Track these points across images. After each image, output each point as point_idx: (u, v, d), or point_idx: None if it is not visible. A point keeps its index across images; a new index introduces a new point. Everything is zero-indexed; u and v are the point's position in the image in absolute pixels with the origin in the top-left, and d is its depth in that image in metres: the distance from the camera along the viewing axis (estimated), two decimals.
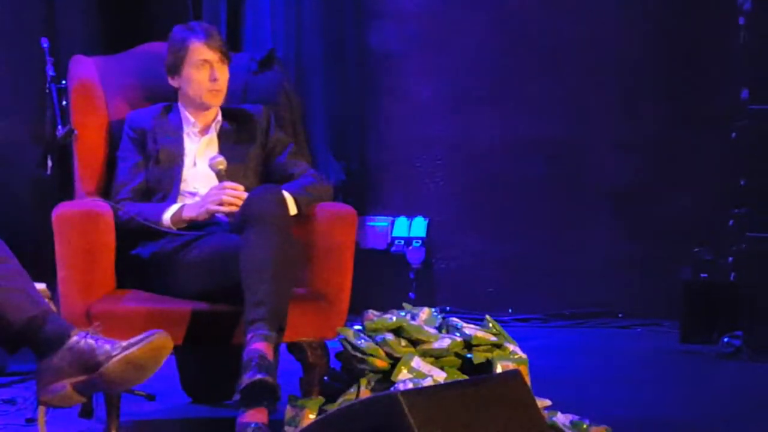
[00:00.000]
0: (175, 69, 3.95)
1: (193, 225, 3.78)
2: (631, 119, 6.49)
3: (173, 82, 3.98)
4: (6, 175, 5.40)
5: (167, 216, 3.78)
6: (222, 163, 3.84)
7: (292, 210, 3.72)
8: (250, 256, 3.46)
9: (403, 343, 3.59)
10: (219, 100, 3.96)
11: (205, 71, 3.92)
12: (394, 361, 3.54)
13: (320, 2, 6.53)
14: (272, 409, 3.41)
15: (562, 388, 4.13)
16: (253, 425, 3.34)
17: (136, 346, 3.11)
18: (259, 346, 3.34)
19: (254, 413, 3.36)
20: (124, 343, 3.12)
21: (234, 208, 3.72)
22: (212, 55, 3.92)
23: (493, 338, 3.65)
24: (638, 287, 6.39)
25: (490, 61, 6.60)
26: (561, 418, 3.51)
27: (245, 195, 3.71)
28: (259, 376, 3.29)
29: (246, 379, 3.30)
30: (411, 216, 6.57)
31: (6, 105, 5.45)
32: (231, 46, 4.10)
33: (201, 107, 3.97)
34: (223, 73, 3.95)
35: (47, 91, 4.31)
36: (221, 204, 3.74)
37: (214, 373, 4.27)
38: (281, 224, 3.53)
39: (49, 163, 4.44)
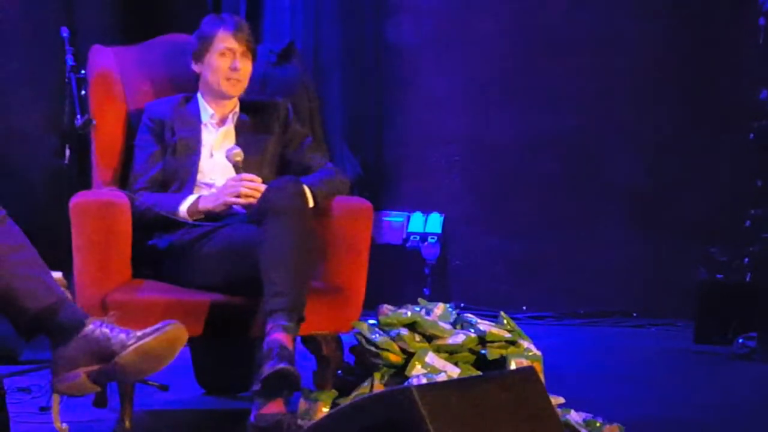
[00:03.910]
0: (200, 55, 3.97)
1: (210, 216, 3.78)
2: (648, 118, 6.48)
3: (196, 68, 3.99)
4: (24, 164, 5.41)
5: (184, 207, 3.78)
6: (239, 154, 3.85)
7: (309, 203, 3.72)
8: (270, 247, 3.46)
9: (418, 338, 3.59)
10: (237, 90, 3.97)
11: (227, 59, 3.93)
12: (408, 356, 3.54)
13: None
14: (288, 400, 3.41)
15: (575, 386, 4.13)
16: (278, 415, 3.34)
17: (151, 336, 3.11)
18: (278, 336, 3.34)
19: (273, 405, 3.37)
20: (139, 333, 3.12)
21: (251, 200, 3.72)
22: (237, 46, 3.93)
23: (508, 335, 3.65)
24: (653, 287, 6.38)
25: (506, 57, 6.59)
26: (574, 416, 3.50)
27: (263, 187, 3.71)
28: (281, 365, 3.29)
29: (267, 369, 3.30)
30: (427, 211, 6.57)
31: (25, 94, 5.47)
32: None
33: (219, 95, 3.97)
34: (245, 65, 3.95)
35: (66, 80, 4.32)
36: (239, 196, 3.74)
37: (227, 364, 4.28)
38: (300, 216, 3.53)
39: (67, 152, 4.45)
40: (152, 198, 3.80)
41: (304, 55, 6.01)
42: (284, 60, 4.32)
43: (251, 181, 3.75)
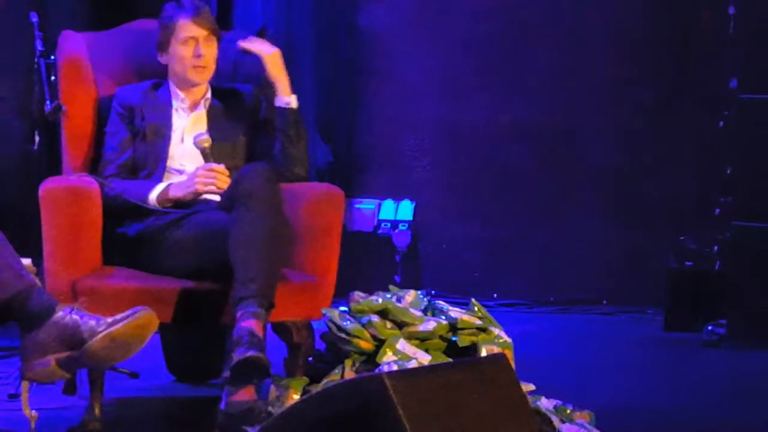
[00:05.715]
0: (164, 46, 3.94)
1: (180, 204, 3.76)
2: (619, 106, 6.49)
3: (162, 59, 3.96)
4: None
5: (153, 195, 3.76)
6: (207, 141, 3.83)
7: (293, 104, 3.86)
8: (240, 234, 3.46)
9: (389, 325, 3.59)
10: (204, 77, 3.94)
11: (191, 47, 3.89)
12: (379, 343, 3.54)
13: None
14: (259, 387, 3.41)
15: (546, 373, 4.13)
16: (249, 403, 3.33)
17: (121, 323, 3.11)
18: (249, 323, 3.34)
19: (243, 392, 3.36)
20: (110, 320, 3.12)
21: (221, 190, 3.71)
22: (199, 32, 3.89)
23: (479, 322, 3.65)
24: (623, 274, 6.40)
25: (480, 44, 6.59)
26: (545, 403, 3.51)
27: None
28: (251, 353, 3.29)
29: (237, 356, 3.30)
30: (398, 199, 6.56)
31: None
32: (221, 24, 4.08)
33: (187, 84, 3.95)
34: (209, 50, 3.92)
35: (36, 66, 4.30)
36: (213, 187, 3.71)
37: (198, 351, 4.27)
38: (271, 202, 3.52)
39: (37, 138, 4.43)
40: (122, 185, 3.78)
41: (276, 42, 5.98)
42: None
43: (221, 173, 3.73)
